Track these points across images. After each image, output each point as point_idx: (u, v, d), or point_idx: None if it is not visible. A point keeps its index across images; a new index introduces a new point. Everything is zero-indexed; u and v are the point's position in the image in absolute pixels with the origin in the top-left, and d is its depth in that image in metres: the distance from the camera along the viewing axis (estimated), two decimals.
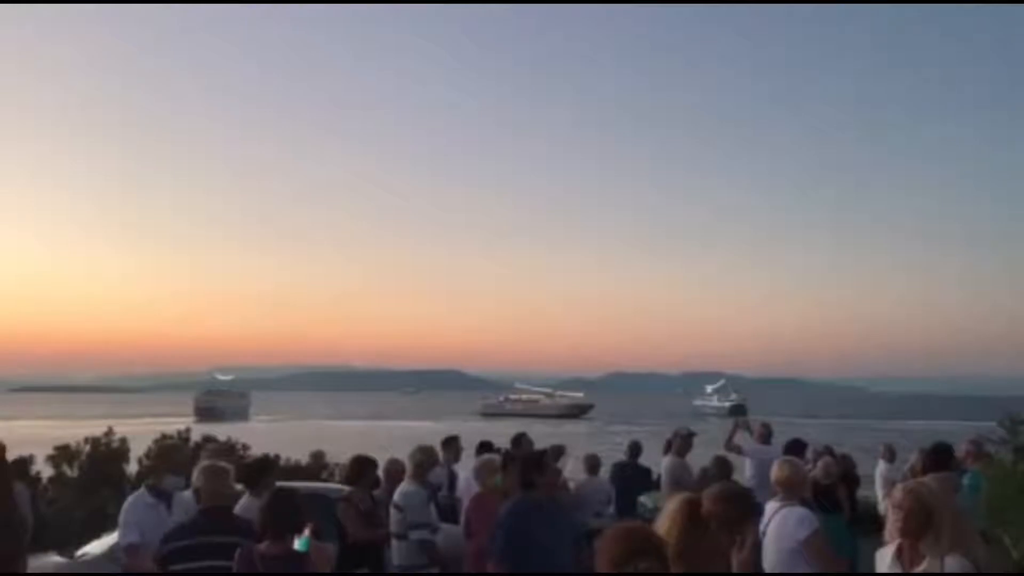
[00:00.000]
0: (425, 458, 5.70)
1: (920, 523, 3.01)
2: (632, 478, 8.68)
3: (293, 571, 3.52)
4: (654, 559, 2.24)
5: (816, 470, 7.88)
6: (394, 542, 5.41)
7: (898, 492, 3.14)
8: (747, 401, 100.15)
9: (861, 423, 69.04)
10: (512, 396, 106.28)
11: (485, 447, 7.40)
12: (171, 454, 5.21)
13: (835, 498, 7.52)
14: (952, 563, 2.95)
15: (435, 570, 5.40)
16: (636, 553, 2.24)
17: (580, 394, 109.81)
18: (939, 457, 6.17)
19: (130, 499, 4.76)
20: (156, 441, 9.62)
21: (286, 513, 3.60)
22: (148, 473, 5.05)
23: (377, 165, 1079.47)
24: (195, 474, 4.26)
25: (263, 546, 3.58)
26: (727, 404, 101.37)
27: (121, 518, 4.67)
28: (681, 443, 8.10)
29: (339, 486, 8.55)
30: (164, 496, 4.67)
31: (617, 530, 2.37)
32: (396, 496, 5.49)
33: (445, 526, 5.89)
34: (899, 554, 3.14)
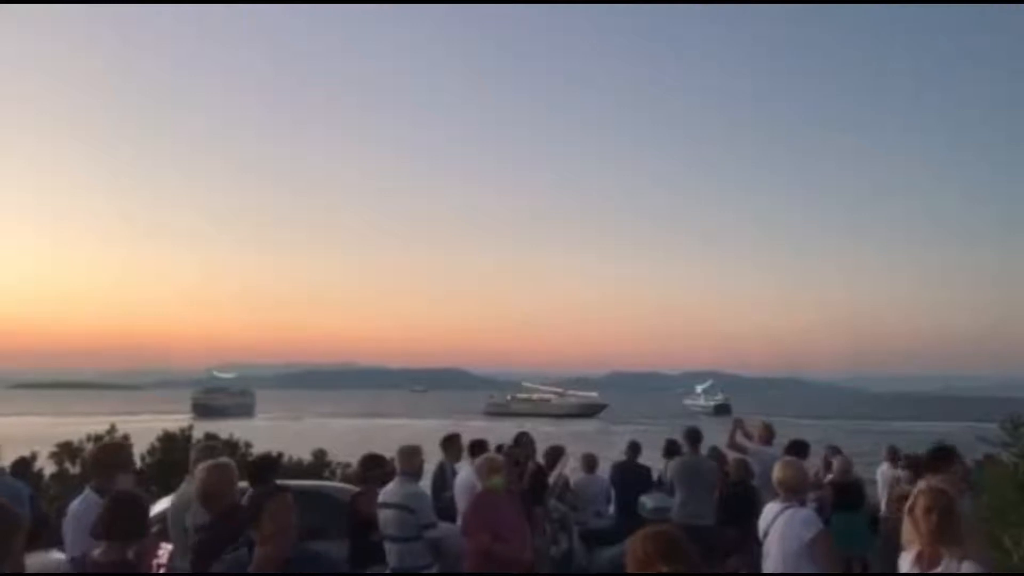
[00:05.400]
0: (418, 458, 5.61)
1: (953, 526, 3.03)
2: (632, 477, 8.69)
3: None
4: (679, 564, 2.23)
5: (834, 469, 7.92)
6: (395, 545, 5.20)
7: (926, 496, 3.11)
8: (731, 401, 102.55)
9: (860, 424, 68.83)
10: (520, 395, 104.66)
11: (477, 446, 7.30)
12: (118, 453, 4.80)
13: (854, 496, 7.55)
14: (968, 565, 2.98)
15: (435, 569, 5.36)
16: (661, 556, 2.24)
17: (594, 394, 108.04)
18: (941, 458, 6.14)
19: (79, 503, 4.31)
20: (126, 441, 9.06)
21: (128, 518, 3.22)
22: (93, 474, 4.70)
23: (384, 166, 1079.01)
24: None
25: (97, 552, 3.19)
26: (712, 404, 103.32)
27: (74, 525, 4.18)
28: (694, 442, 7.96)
29: (341, 484, 8.54)
30: None
31: (647, 531, 2.37)
32: (402, 498, 5.26)
33: (444, 524, 5.87)
34: (919, 558, 3.14)
